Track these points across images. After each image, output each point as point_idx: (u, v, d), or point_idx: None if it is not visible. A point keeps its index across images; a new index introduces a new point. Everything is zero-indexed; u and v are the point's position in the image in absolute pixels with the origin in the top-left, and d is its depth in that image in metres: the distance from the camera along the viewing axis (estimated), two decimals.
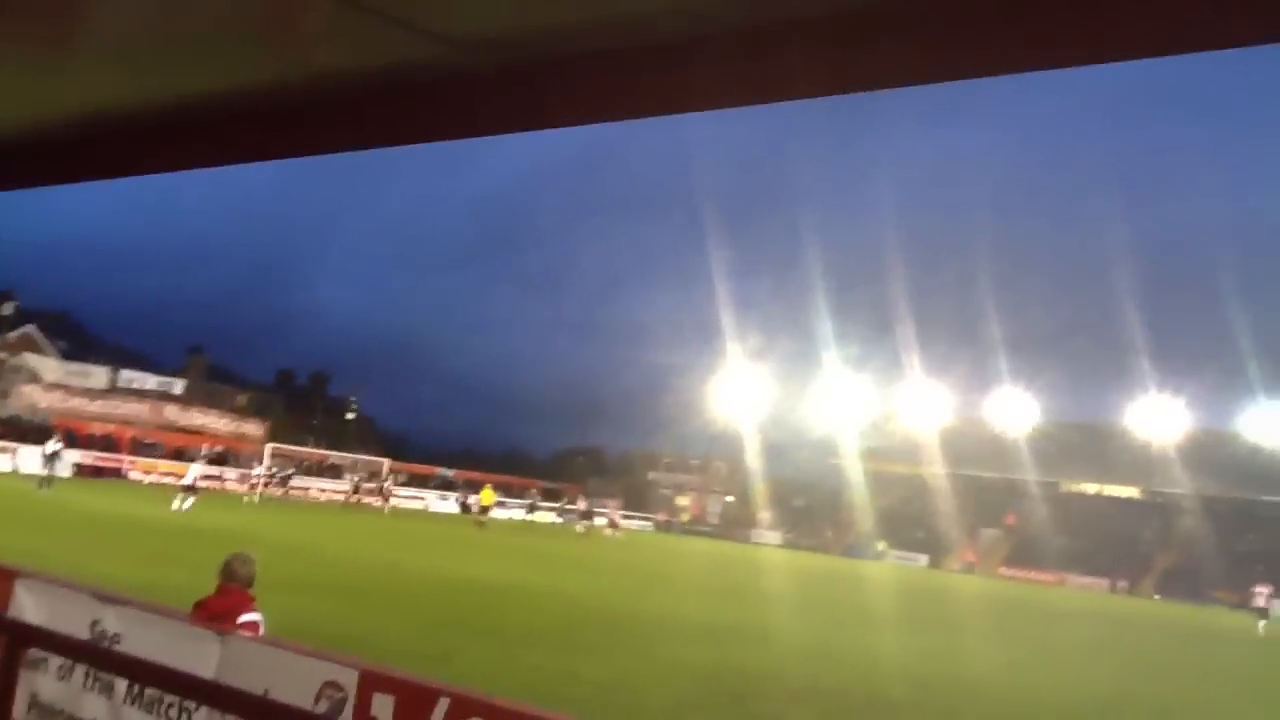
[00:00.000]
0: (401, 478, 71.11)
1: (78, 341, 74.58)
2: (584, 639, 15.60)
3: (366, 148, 3.01)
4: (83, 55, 2.81)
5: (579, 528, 57.89)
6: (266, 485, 56.12)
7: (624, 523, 68.84)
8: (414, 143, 2.88)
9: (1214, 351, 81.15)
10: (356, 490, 61.56)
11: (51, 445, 41.29)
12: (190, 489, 36.37)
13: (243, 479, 56.62)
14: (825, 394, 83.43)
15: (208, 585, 6.89)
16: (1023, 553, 77.14)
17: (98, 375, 62.78)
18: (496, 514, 60.51)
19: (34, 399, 58.04)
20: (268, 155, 3.24)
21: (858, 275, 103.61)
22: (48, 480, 38.14)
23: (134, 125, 3.16)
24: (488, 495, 55.44)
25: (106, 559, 17.81)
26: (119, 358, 70.08)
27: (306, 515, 41.75)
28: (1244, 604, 64.77)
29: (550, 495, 76.80)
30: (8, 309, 59.14)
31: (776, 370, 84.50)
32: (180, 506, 34.41)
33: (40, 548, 17.21)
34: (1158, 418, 77.63)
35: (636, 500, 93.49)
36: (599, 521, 59.60)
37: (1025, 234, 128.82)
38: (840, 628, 22.18)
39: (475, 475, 77.82)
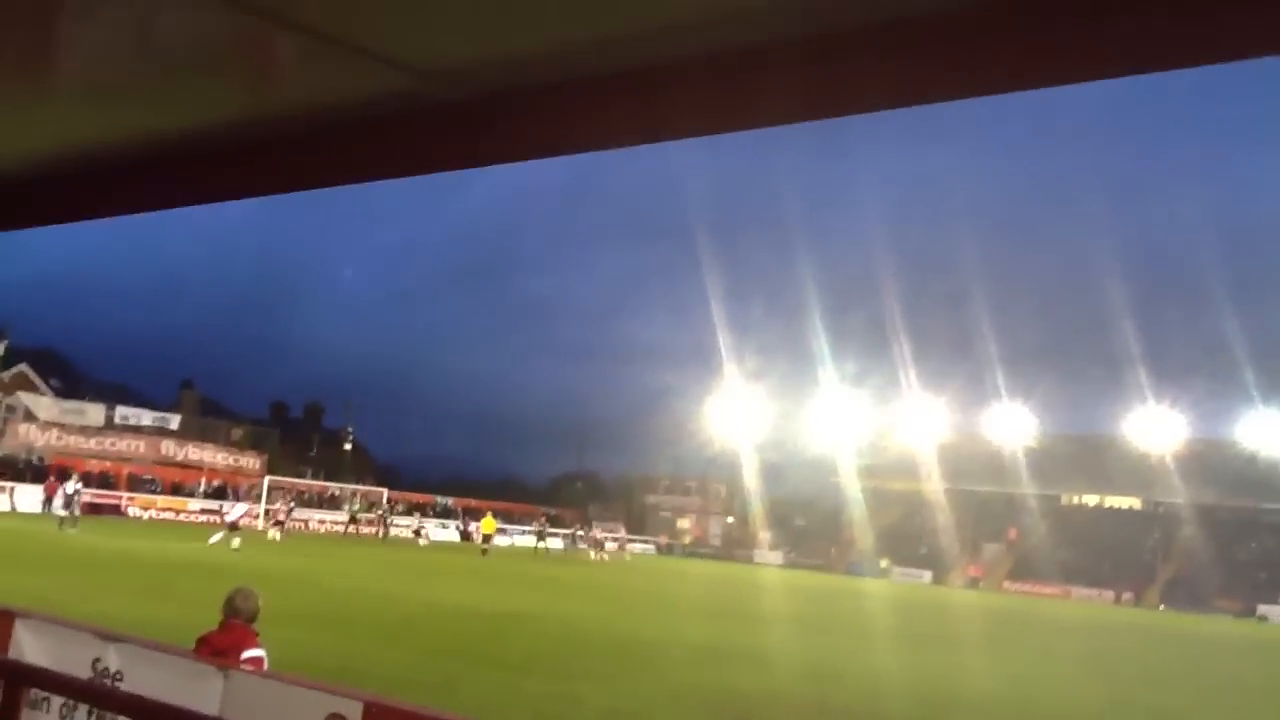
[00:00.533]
0: (400, 507, 70.93)
1: (69, 379, 74.45)
2: (587, 664, 15.53)
3: (340, 183, 2.99)
4: (49, 94, 2.79)
5: (593, 554, 57.82)
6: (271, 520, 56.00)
7: (631, 547, 68.96)
8: (388, 177, 2.86)
9: (1209, 360, 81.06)
10: (354, 521, 61.52)
11: (72, 485, 41.37)
12: (234, 527, 36.35)
13: (266, 515, 56.73)
14: (822, 413, 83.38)
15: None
16: (1026, 567, 77.00)
17: (94, 412, 62.68)
18: (498, 541, 60.45)
19: (30, 438, 57.90)
20: (240, 194, 3.22)
21: (851, 294, 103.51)
22: (72, 520, 38.26)
23: (103, 165, 3.15)
24: (489, 524, 55.75)
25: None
26: (111, 394, 69.95)
27: (315, 548, 41.57)
28: (1248, 613, 64.78)
29: (553, 521, 76.58)
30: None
31: (773, 390, 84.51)
32: (231, 544, 34.18)
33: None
34: (1155, 428, 77.63)
35: (637, 524, 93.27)
36: (610, 546, 59.59)
37: (1017, 249, 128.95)
38: (845, 646, 22.12)
39: (473, 503, 77.68)
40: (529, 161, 2.69)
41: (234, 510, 39.28)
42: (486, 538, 52.47)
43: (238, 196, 3.28)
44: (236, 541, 34.68)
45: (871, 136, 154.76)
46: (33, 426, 58.53)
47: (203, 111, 2.77)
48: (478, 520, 65.67)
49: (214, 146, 2.91)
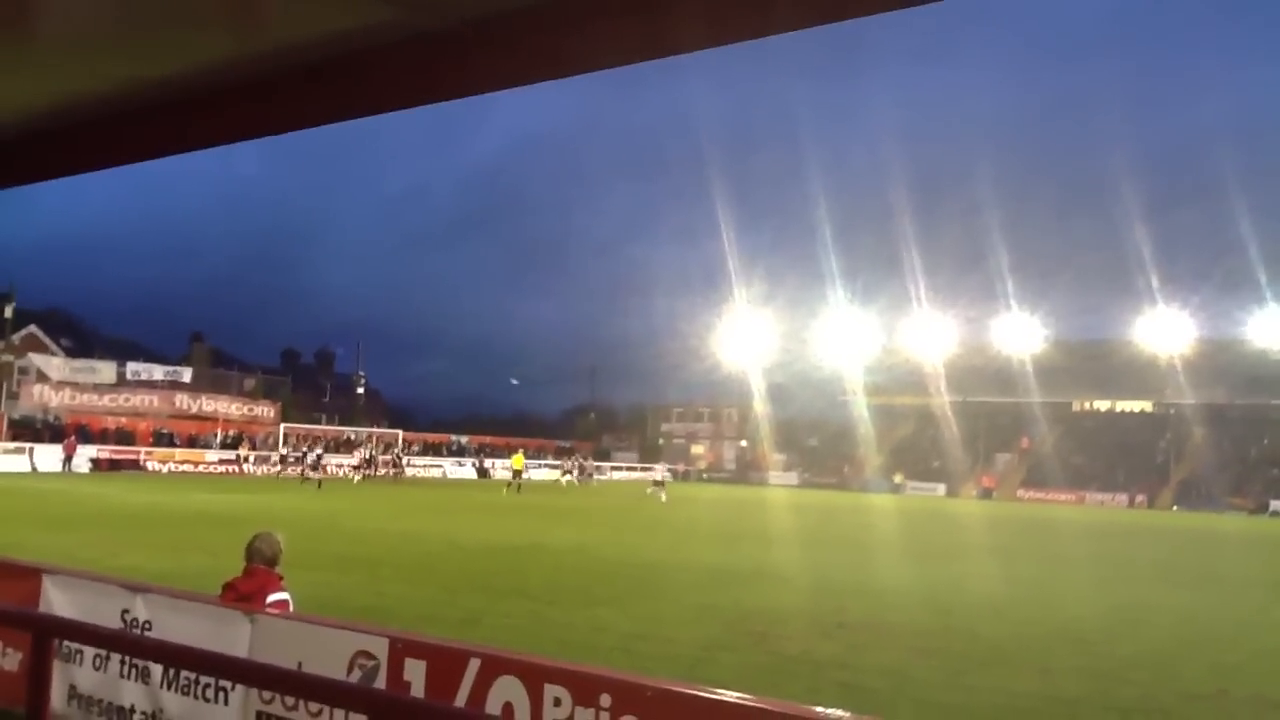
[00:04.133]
0: (415, 448, 71.50)
1: (78, 338, 74.57)
2: (607, 591, 15.74)
3: (333, 121, 2.95)
4: (35, 49, 2.75)
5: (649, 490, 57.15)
6: (291, 466, 56.75)
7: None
8: (381, 111, 2.82)
9: (1218, 261, 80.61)
10: (371, 463, 62.08)
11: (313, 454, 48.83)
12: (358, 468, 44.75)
13: (283, 460, 58.30)
14: (832, 332, 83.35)
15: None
16: (1039, 474, 77.47)
17: (105, 370, 62.93)
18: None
19: (44, 399, 58.28)
20: (234, 138, 3.19)
21: (859, 213, 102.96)
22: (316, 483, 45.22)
23: (95, 117, 3.11)
24: (518, 460, 56.01)
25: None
26: (121, 350, 70.18)
27: (334, 491, 41.99)
28: (1260, 509, 65.24)
29: (563, 453, 77.10)
30: (8, 311, 59.14)
31: (782, 313, 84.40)
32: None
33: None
34: (1165, 330, 77.40)
35: (652, 452, 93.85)
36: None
37: (1024, 161, 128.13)
38: (860, 562, 22.36)
39: (488, 439, 78.15)
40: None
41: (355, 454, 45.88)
42: (516, 473, 52.99)
43: (231, 140, 3.25)
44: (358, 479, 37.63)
45: (877, 59, 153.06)
46: (46, 387, 58.86)
47: (190, 57, 2.73)
48: (493, 458, 66.21)
49: (205, 92, 2.88)
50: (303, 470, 51.17)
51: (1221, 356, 76.61)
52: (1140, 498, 72.13)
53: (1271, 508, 65.86)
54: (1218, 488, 67.72)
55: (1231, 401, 77.70)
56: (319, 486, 45.29)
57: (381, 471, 60.08)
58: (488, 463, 71.46)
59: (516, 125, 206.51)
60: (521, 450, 60.57)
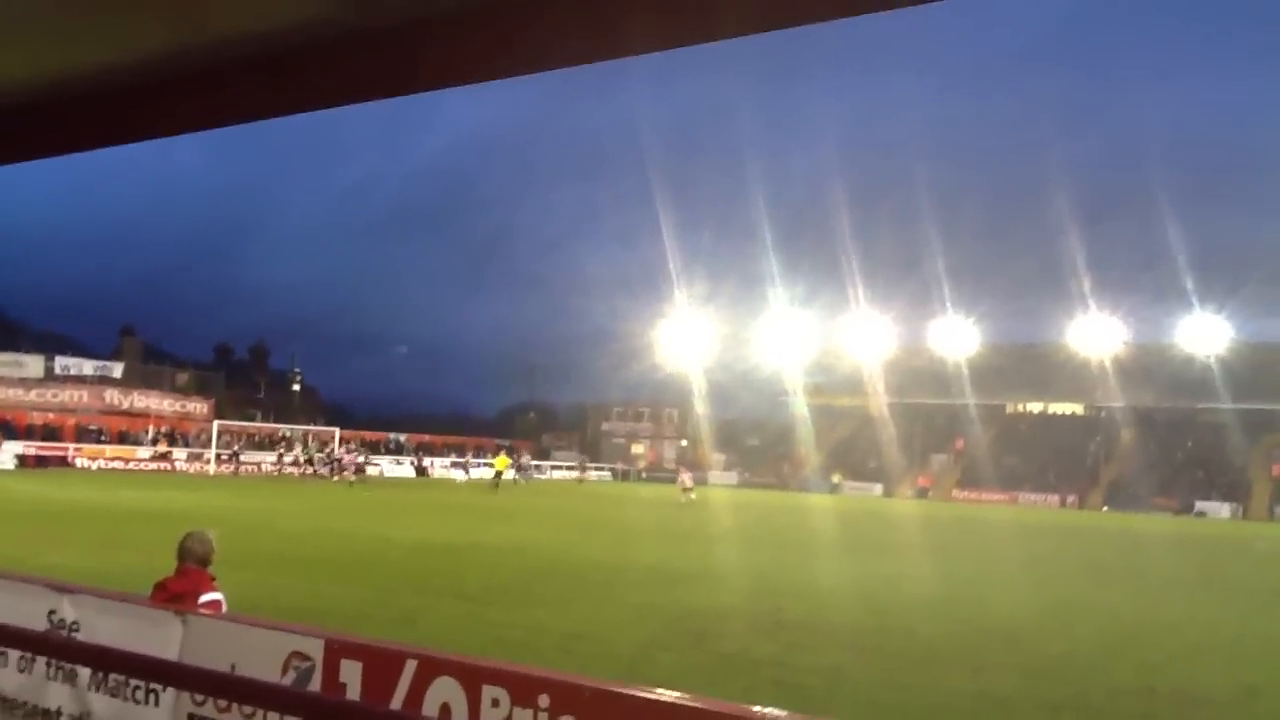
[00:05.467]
0: (352, 446, 70.68)
1: (4, 331, 72.79)
2: (546, 591, 15.71)
3: (267, 116, 2.89)
4: None
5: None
6: (220, 463, 55.98)
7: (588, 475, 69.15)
8: (317, 108, 2.77)
9: (1147, 267, 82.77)
10: (307, 461, 61.36)
11: None
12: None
13: (218, 459, 56.44)
14: (772, 333, 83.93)
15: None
16: (974, 475, 78.70)
17: (32, 364, 61.41)
18: (453, 475, 60.65)
19: None
20: (165, 131, 3.11)
21: (799, 217, 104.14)
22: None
23: (25, 106, 3.02)
24: (502, 461, 56.41)
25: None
26: (49, 344, 68.59)
27: (266, 490, 41.39)
28: (1186, 510, 66.94)
29: (508, 453, 76.75)
30: None
31: (723, 313, 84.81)
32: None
33: None
34: (1096, 335, 79.08)
35: (592, 451, 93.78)
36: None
37: (961, 168, 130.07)
38: (798, 561, 22.55)
39: (426, 438, 77.60)
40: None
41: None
42: (498, 474, 53.53)
43: (169, 134, 3.18)
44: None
45: (819, 67, 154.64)
46: None
47: (125, 46, 2.66)
48: (432, 456, 65.70)
49: (142, 83, 2.81)
50: (335, 470, 54.37)
51: (1150, 360, 78.43)
52: (1071, 498, 73.58)
53: (1196, 508, 67.60)
54: (1145, 489, 69.30)
55: (1159, 405, 79.58)
56: (350, 485, 47.81)
57: (321, 470, 59.41)
58: (425, 461, 70.88)
59: (462, 124, 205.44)
60: (504, 452, 60.67)
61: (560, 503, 43.39)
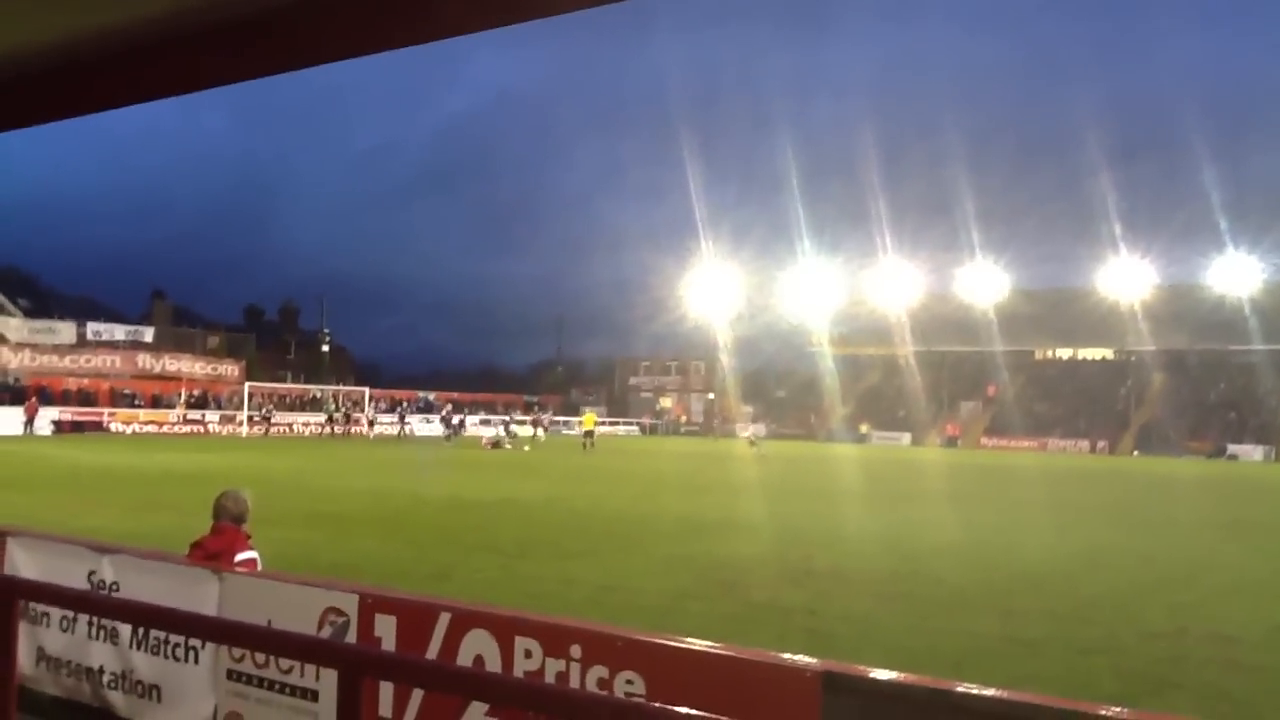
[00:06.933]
0: (382, 404, 71.25)
1: (36, 298, 73.45)
2: (577, 544, 15.83)
3: (285, 70, 2.89)
4: None
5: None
6: (253, 424, 56.74)
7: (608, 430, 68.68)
8: (340, 58, 2.75)
9: (1177, 208, 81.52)
10: (346, 419, 62.30)
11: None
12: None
13: (250, 420, 57.08)
14: (798, 284, 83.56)
15: None
16: (1003, 422, 78.38)
17: (65, 330, 62.09)
18: (483, 431, 60.98)
19: (3, 360, 57.45)
20: (187, 88, 3.11)
21: (825, 166, 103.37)
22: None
23: (40, 70, 3.01)
24: (590, 420, 54.60)
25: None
26: (80, 310, 69.26)
27: (299, 449, 41.85)
28: (1218, 453, 66.47)
29: (529, 408, 76.99)
30: None
31: (749, 265, 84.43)
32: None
33: None
34: (1126, 278, 78.23)
35: (620, 405, 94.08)
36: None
37: (990, 113, 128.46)
38: (827, 510, 22.61)
39: (455, 396, 78.00)
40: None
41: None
42: (589, 433, 51.77)
43: (182, 92, 3.19)
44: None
45: (844, 14, 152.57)
46: (5, 349, 58.01)
47: (134, 4, 2.65)
48: (461, 414, 66.08)
49: (148, 40, 2.80)
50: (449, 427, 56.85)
51: (1181, 303, 77.59)
52: (1101, 444, 73.22)
53: (1229, 451, 67.13)
54: (1177, 432, 68.87)
55: (1190, 347, 78.79)
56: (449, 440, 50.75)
57: (353, 429, 60.35)
58: (455, 419, 71.34)
59: (485, 81, 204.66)
60: (592, 410, 59.42)
61: (587, 459, 43.61)
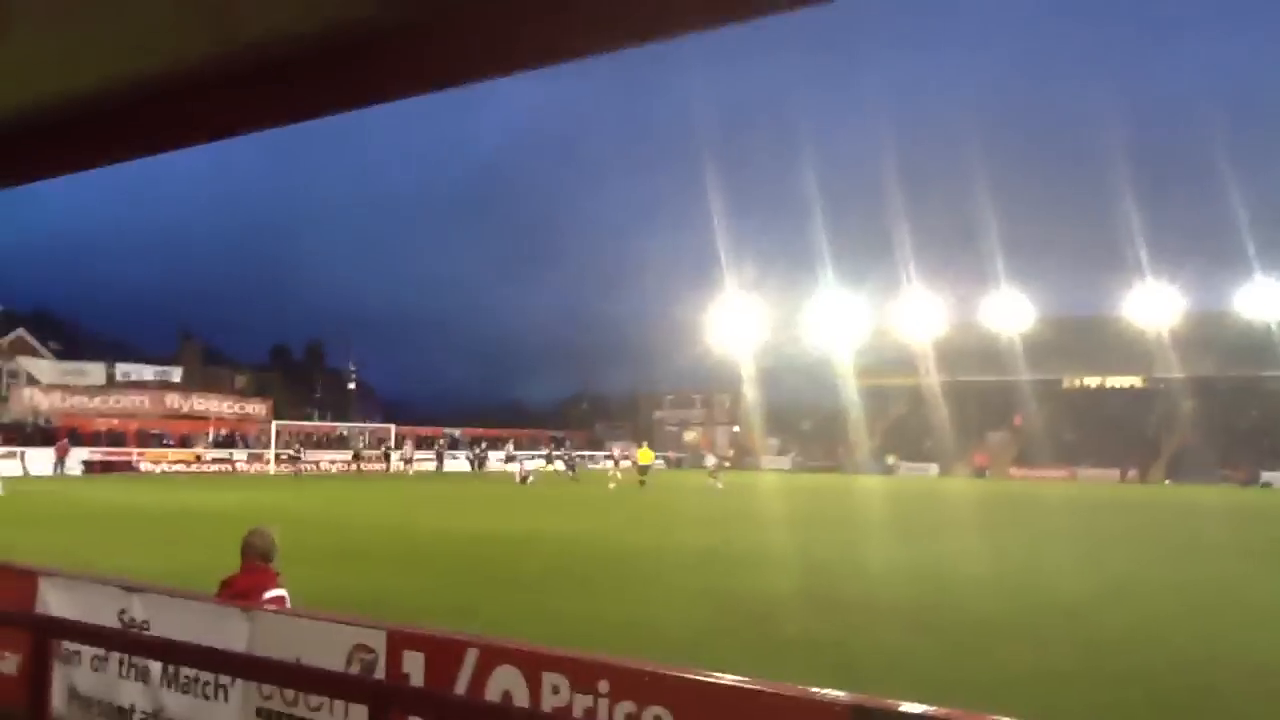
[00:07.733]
0: (408, 442, 71.49)
1: (66, 340, 74.35)
2: (602, 580, 15.78)
3: (309, 118, 2.92)
4: (9, 49, 2.73)
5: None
6: (280, 462, 57.04)
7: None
8: (357, 107, 2.80)
9: (1204, 233, 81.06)
10: (385, 457, 62.89)
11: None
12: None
13: (277, 458, 57.37)
14: (823, 315, 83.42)
15: None
16: (1031, 452, 77.64)
17: (95, 372, 62.76)
18: (509, 468, 60.94)
19: (34, 402, 58.08)
20: (212, 136, 3.15)
21: (848, 196, 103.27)
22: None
23: (71, 118, 3.07)
24: (645, 454, 52.84)
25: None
26: (110, 351, 70.03)
27: (326, 486, 41.99)
28: (1252, 480, 65.50)
29: (553, 443, 76.98)
30: None
31: (773, 297, 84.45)
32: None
33: None
34: (1154, 304, 77.60)
35: (645, 440, 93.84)
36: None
37: (1011, 140, 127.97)
38: (854, 541, 22.45)
39: (480, 432, 78.18)
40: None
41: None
42: (644, 468, 50.05)
43: (210, 139, 3.23)
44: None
45: (866, 42, 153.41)
46: (36, 390, 58.69)
47: (167, 53, 2.71)
48: (485, 450, 66.15)
49: (181, 88, 2.86)
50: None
51: (1210, 329, 76.85)
52: (1132, 472, 72.35)
53: (1262, 479, 66.17)
54: (1208, 460, 67.94)
55: (1221, 373, 77.94)
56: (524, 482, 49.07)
57: (376, 466, 60.55)
58: (483, 453, 71.51)
59: (510, 117, 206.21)
60: (646, 444, 57.77)
61: (610, 493, 43.51)
